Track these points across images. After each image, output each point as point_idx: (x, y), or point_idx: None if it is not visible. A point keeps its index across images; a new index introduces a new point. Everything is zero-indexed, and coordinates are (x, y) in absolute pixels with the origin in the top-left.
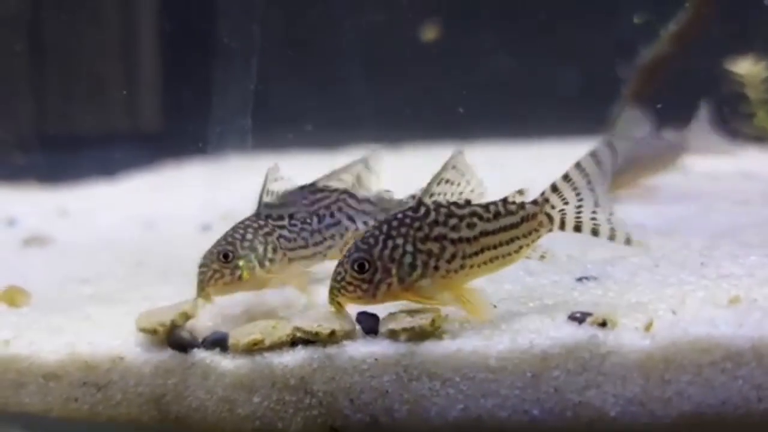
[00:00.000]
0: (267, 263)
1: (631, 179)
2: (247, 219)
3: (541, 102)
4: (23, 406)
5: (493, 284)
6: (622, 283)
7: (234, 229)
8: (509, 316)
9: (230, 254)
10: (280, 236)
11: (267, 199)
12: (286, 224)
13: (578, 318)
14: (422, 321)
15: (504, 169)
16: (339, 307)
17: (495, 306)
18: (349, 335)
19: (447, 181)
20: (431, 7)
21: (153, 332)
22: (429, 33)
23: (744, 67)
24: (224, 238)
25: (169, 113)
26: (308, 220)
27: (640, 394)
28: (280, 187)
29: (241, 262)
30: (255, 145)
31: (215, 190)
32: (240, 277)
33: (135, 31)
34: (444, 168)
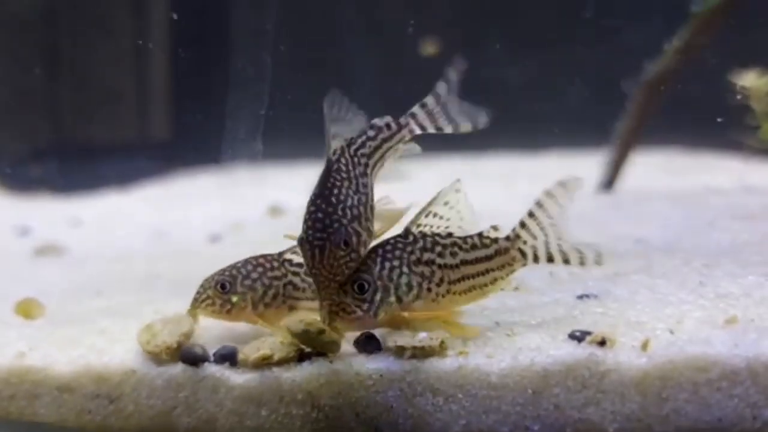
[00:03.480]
0: (261, 306)
1: None
2: (264, 256)
3: (546, 115)
4: (38, 416)
5: (496, 301)
6: (622, 302)
7: (246, 261)
8: (511, 333)
9: (227, 285)
10: (290, 283)
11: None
12: (301, 272)
13: (578, 337)
14: (432, 342)
15: (509, 182)
16: (337, 330)
17: (497, 323)
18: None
19: (435, 215)
20: (441, 19)
21: (157, 355)
22: (428, 48)
23: (749, 79)
24: (231, 267)
25: (181, 125)
26: None
27: (637, 411)
28: None
29: (234, 298)
30: (264, 157)
31: (225, 201)
32: (228, 311)
33: (147, 44)
34: (434, 201)
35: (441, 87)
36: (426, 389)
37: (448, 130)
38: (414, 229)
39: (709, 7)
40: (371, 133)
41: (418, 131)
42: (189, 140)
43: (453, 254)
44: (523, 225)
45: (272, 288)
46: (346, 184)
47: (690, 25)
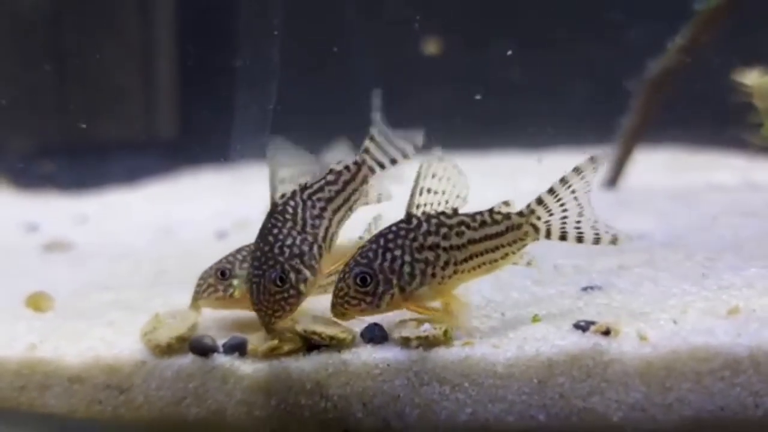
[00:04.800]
0: None
1: None
2: (255, 244)
3: (550, 113)
4: (49, 407)
5: (501, 293)
6: (626, 293)
7: (238, 250)
8: (516, 324)
9: (227, 272)
10: None
11: None
12: None
13: (582, 327)
14: (436, 331)
15: (512, 179)
16: (343, 318)
17: (503, 314)
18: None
19: (429, 191)
20: (442, 19)
21: (160, 350)
22: (430, 47)
23: (752, 77)
24: (226, 257)
25: (187, 122)
26: None
27: (641, 400)
28: None
29: (235, 282)
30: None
31: (231, 198)
32: (232, 295)
33: (154, 42)
34: (419, 177)
35: (377, 116)
36: (432, 378)
37: (401, 159)
38: (416, 212)
39: (713, 4)
40: (331, 177)
41: (377, 168)
42: (195, 138)
43: (459, 234)
44: (540, 201)
45: None
46: (289, 225)
47: (693, 23)
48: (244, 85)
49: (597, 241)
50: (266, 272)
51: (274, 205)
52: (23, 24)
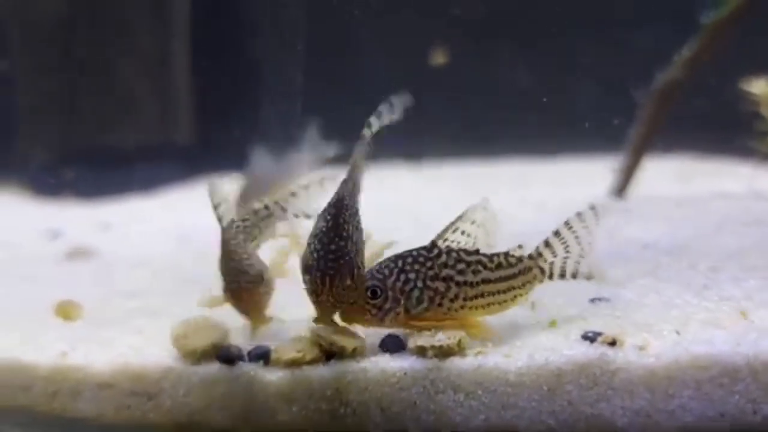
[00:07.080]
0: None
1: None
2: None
3: (558, 122)
4: (79, 412)
5: None
6: (632, 304)
7: (231, 252)
8: (527, 334)
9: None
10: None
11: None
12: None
13: (590, 337)
14: (450, 341)
15: (522, 187)
16: (350, 324)
17: (515, 324)
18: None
19: (463, 232)
20: (454, 26)
21: (193, 355)
22: (438, 57)
23: (759, 86)
24: (237, 260)
25: (205, 129)
26: (247, 218)
27: (646, 407)
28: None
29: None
30: None
31: None
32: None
33: (172, 51)
34: (462, 219)
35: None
36: (447, 386)
37: None
38: (440, 243)
39: (720, 16)
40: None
41: None
42: (213, 145)
43: (475, 272)
44: (547, 244)
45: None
46: (350, 220)
47: (700, 35)
48: (266, 96)
49: (590, 277)
50: (342, 267)
51: (341, 196)
52: (42, 34)
